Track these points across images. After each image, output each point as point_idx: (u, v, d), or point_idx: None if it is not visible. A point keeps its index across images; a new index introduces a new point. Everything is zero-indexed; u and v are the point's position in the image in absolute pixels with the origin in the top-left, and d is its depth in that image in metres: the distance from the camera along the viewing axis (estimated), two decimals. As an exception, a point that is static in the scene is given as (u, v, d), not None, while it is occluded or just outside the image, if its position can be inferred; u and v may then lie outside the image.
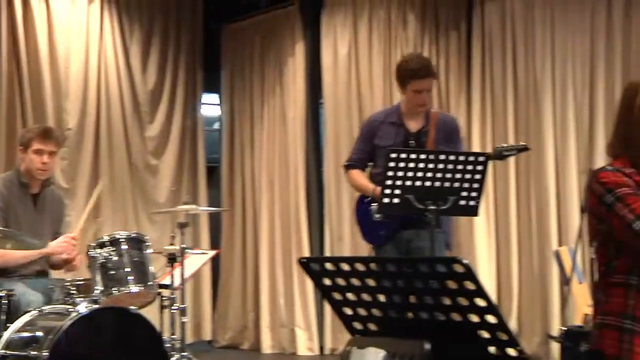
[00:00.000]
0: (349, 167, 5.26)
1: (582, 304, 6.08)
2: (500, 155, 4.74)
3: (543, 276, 6.77)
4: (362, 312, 2.13)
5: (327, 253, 7.81)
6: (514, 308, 6.91)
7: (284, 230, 8.16)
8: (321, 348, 7.90)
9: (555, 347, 6.24)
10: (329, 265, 2.10)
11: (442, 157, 4.45)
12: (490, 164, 4.56)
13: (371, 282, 2.07)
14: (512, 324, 6.90)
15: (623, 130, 2.74)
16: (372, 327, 2.13)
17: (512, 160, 6.95)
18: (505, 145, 4.95)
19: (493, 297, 7.00)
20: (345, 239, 7.72)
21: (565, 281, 5.56)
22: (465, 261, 1.93)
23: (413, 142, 5.05)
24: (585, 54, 6.63)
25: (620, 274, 2.65)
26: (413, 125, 5.10)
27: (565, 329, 4.57)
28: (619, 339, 2.60)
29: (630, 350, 2.58)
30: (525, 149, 4.86)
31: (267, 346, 8.12)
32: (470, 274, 1.94)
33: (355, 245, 7.40)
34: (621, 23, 6.46)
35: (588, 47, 6.63)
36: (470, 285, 1.95)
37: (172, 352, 5.54)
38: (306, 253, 7.95)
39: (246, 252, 8.50)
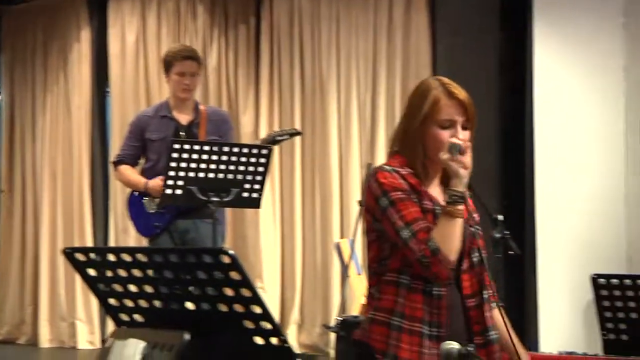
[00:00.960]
0: (117, 163, 5.22)
1: (360, 295, 6.28)
2: (273, 140, 4.81)
3: (325, 268, 6.94)
4: (128, 303, 2.10)
5: (112, 244, 7.65)
6: (297, 300, 7.04)
7: (67, 221, 7.91)
8: (103, 341, 7.73)
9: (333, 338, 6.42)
10: (93, 256, 2.05)
11: (226, 148, 4.47)
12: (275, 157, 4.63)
13: (138, 273, 2.04)
14: (295, 316, 7.04)
15: (402, 127, 2.80)
16: (138, 318, 2.10)
17: (297, 153, 7.09)
18: (278, 130, 5.04)
19: (277, 289, 7.12)
20: (130, 231, 7.55)
21: (344, 272, 5.72)
22: (231, 252, 1.95)
23: (184, 134, 5.06)
24: (368, 51, 6.85)
25: (393, 272, 2.72)
26: (183, 118, 5.12)
27: (341, 319, 4.70)
28: (386, 335, 2.68)
29: (397, 346, 2.66)
30: (297, 133, 4.99)
31: (45, 340, 7.86)
32: (236, 264, 1.95)
33: (140, 237, 7.28)
34: (401, 22, 6.73)
35: (371, 45, 6.85)
36: (236, 276, 1.96)
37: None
38: (89, 244, 7.75)
39: (25, 243, 8.17)
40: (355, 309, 6.25)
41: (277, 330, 1.97)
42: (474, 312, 2.77)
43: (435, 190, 2.80)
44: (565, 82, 5.63)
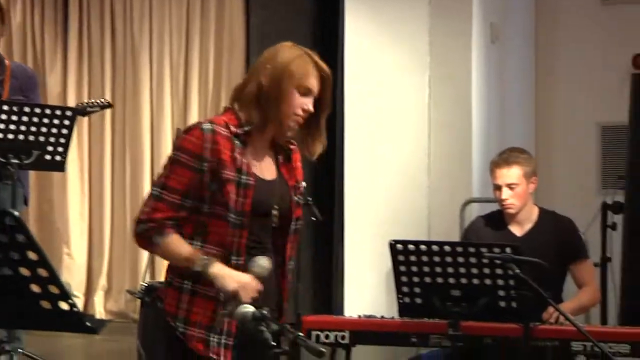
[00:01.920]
0: None
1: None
2: (84, 111, 4.68)
3: (134, 235, 6.84)
4: None
5: None
6: (104, 266, 6.92)
7: None
8: None
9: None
10: None
11: (27, 109, 4.31)
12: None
13: None
14: (103, 282, 6.91)
15: (256, 85, 2.71)
16: None
17: (108, 118, 6.94)
18: (89, 101, 4.91)
19: (84, 255, 6.96)
20: None
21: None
22: (15, 213, 1.88)
23: None
24: (182, 22, 6.78)
25: (186, 238, 2.67)
26: None
27: (146, 285, 4.64)
28: (177, 298, 2.65)
29: (188, 310, 2.65)
30: (108, 105, 4.87)
31: None
32: (21, 226, 1.89)
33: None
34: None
35: (184, 15, 6.77)
36: (21, 238, 1.90)
37: None
38: None
39: None
40: (163, 275, 6.21)
41: (65, 295, 1.92)
42: (286, 279, 2.80)
43: (260, 157, 2.75)
44: (374, 56, 5.76)
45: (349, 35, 5.79)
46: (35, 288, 1.95)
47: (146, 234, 2.64)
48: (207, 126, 2.66)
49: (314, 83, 2.70)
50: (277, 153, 2.81)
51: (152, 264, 6.37)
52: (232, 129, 2.68)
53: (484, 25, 5.74)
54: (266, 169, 2.76)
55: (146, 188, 6.79)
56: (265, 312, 2.26)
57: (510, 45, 6.14)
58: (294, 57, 2.71)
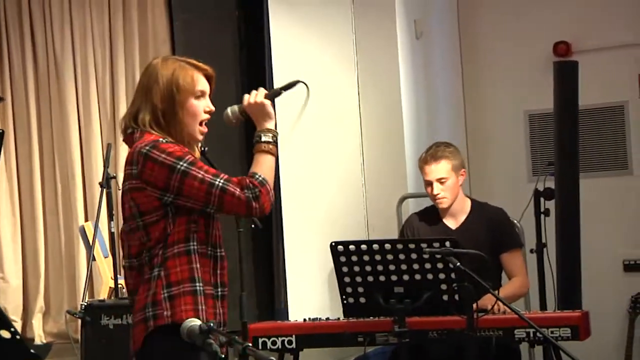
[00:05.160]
0: None
1: (107, 278, 6.16)
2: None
3: (70, 253, 6.75)
4: None
5: None
6: (41, 287, 6.80)
7: None
8: None
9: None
10: None
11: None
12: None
13: None
14: (40, 304, 6.79)
15: (149, 107, 2.75)
16: None
17: (35, 137, 6.83)
18: None
19: (19, 278, 6.83)
20: None
21: (91, 256, 5.58)
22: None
23: None
24: (105, 30, 6.69)
25: (179, 243, 2.67)
26: None
27: (86, 304, 4.58)
28: (194, 302, 2.65)
29: (206, 311, 2.67)
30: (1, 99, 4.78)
31: None
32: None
33: None
34: (136, 0, 6.61)
35: (107, 23, 6.68)
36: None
37: None
38: None
39: None
40: (103, 293, 6.13)
41: (6, 322, 1.88)
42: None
43: None
44: (301, 58, 5.75)
45: (275, 37, 5.78)
46: (-25, 318, 1.90)
47: (258, 196, 2.67)
48: (161, 139, 2.70)
49: (203, 84, 2.80)
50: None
51: (90, 282, 6.28)
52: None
53: (408, 22, 5.78)
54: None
55: (79, 205, 6.69)
56: (212, 324, 2.24)
57: (434, 40, 6.20)
58: (174, 70, 2.77)
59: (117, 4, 6.67)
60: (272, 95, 2.87)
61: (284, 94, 2.97)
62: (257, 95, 2.83)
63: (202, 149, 2.89)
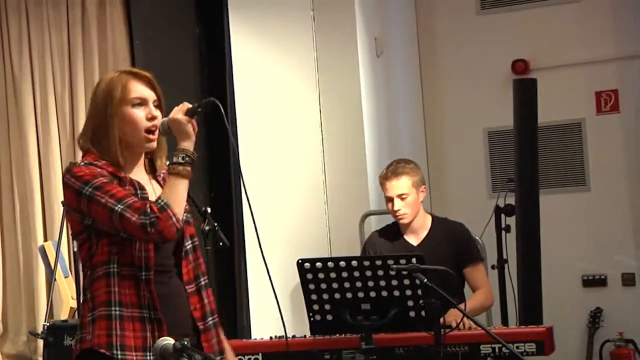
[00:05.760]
0: None
1: (68, 298, 6.09)
2: None
3: (28, 273, 6.65)
4: None
5: None
6: (-2, 309, 6.70)
7: None
8: None
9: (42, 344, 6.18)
10: None
11: None
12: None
13: None
14: (-3, 325, 6.69)
15: (91, 123, 2.74)
16: None
17: (-8, 155, 6.74)
18: None
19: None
20: None
21: (51, 276, 5.52)
22: None
23: None
24: (64, 47, 6.63)
25: (102, 265, 2.65)
26: None
27: (48, 324, 4.53)
28: (108, 327, 2.61)
29: (122, 336, 2.61)
30: None
31: None
32: None
33: None
34: (96, 17, 6.56)
35: (66, 41, 6.64)
36: None
37: None
38: None
39: None
40: (64, 313, 6.05)
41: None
42: (193, 299, 2.79)
43: (140, 178, 2.76)
44: (262, 75, 5.77)
45: (236, 55, 5.79)
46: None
47: (154, 222, 2.57)
48: (81, 163, 2.68)
49: (141, 90, 2.73)
50: (153, 176, 2.84)
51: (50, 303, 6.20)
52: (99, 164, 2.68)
53: (369, 39, 5.82)
54: (148, 185, 2.76)
55: (38, 224, 6.61)
56: (186, 342, 2.23)
57: (395, 57, 6.26)
58: (109, 82, 2.74)
59: (76, 21, 6.61)
60: (191, 112, 2.70)
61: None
62: (176, 111, 2.69)
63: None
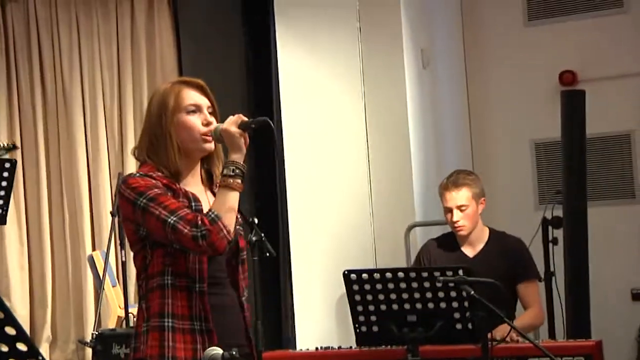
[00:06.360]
0: None
1: (116, 307, 6.16)
2: None
3: (77, 282, 6.74)
4: None
5: None
6: (48, 316, 6.78)
7: None
8: None
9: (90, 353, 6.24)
10: None
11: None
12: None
13: None
14: (47, 333, 6.77)
15: (147, 134, 2.77)
16: None
17: (42, 165, 6.84)
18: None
19: (26, 307, 6.81)
20: None
21: (99, 285, 5.58)
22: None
23: None
24: (113, 59, 6.72)
25: (157, 276, 2.68)
26: None
27: (97, 333, 4.59)
28: (160, 338, 2.64)
29: (173, 347, 2.63)
30: (13, 147, 4.81)
31: None
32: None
33: None
34: (145, 28, 6.65)
35: (115, 52, 6.72)
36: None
37: None
38: None
39: None
40: (112, 322, 6.12)
41: (34, 351, 1.89)
42: (247, 313, 2.82)
43: (196, 189, 2.78)
44: (308, 86, 5.80)
45: (282, 66, 5.82)
46: (2, 347, 1.91)
47: (205, 235, 2.58)
48: (137, 174, 2.72)
49: (194, 97, 2.75)
50: (209, 187, 2.85)
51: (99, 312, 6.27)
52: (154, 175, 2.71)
53: (415, 51, 5.82)
54: (203, 197, 2.78)
55: (86, 234, 6.69)
56: (234, 352, 2.25)
57: (441, 69, 6.24)
58: (163, 92, 2.77)
59: (125, 32, 6.70)
60: (244, 126, 2.70)
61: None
62: (230, 123, 2.69)
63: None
